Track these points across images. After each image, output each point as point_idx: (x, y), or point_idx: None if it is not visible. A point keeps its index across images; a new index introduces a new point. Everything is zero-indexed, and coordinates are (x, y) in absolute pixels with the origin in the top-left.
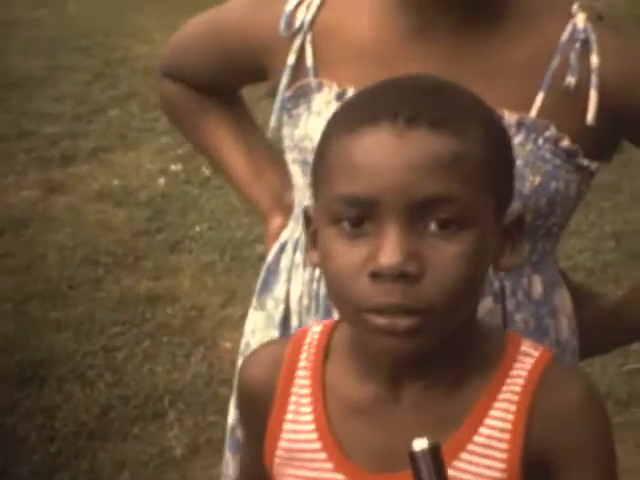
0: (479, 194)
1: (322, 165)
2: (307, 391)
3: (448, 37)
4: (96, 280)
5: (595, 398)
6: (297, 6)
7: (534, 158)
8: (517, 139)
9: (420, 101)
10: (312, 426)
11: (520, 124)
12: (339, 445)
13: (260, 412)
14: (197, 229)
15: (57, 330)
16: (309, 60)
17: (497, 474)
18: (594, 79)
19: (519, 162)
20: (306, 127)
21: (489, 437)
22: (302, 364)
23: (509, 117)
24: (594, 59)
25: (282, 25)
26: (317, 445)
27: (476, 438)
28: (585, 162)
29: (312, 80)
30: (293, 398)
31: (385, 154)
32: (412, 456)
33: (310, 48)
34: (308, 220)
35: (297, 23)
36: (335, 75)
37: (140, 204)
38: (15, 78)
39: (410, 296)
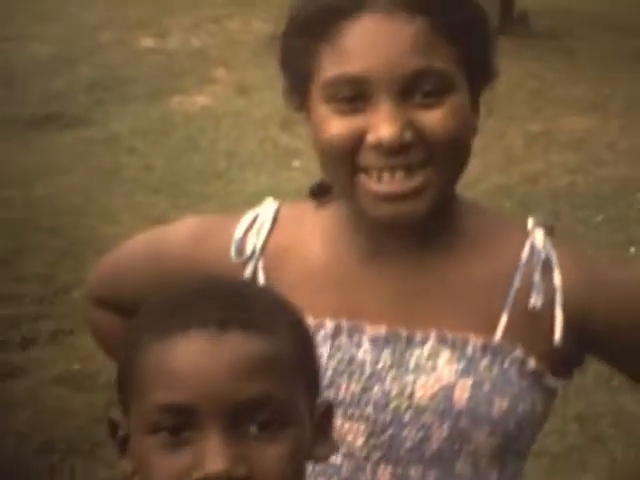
0: (294, 391)
1: (133, 374)
2: None
3: (403, 261)
4: (51, 468)
5: None
6: (247, 231)
7: (501, 381)
8: (483, 363)
9: (229, 304)
10: None
11: (485, 348)
12: None
13: None
14: None
15: None
16: None
17: None
18: (558, 297)
19: (487, 386)
20: None
21: None
22: None
23: (474, 341)
24: (557, 278)
25: (233, 252)
26: None
27: None
28: (551, 382)
29: None
30: None
31: (200, 360)
32: None
33: (262, 274)
34: (114, 427)
35: (248, 249)
36: (292, 301)
37: (100, 389)
38: None
39: None
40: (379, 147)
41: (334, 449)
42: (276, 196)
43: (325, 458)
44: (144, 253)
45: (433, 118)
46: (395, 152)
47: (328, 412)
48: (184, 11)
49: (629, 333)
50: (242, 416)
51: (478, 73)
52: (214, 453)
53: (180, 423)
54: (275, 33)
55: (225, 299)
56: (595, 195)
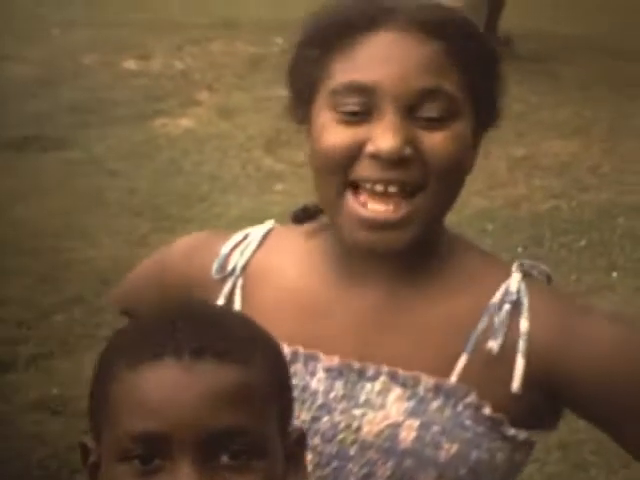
0: (267, 422)
1: (104, 401)
2: None
3: (375, 292)
4: None
5: None
6: (233, 249)
7: (452, 425)
8: (434, 404)
9: (203, 333)
10: None
11: (438, 389)
12: None
13: None
14: None
15: None
16: (237, 306)
17: None
18: (522, 344)
19: (436, 428)
20: None
21: None
22: None
23: (427, 381)
24: (523, 323)
25: (215, 267)
26: None
27: None
28: (511, 431)
29: None
30: None
31: (173, 389)
32: None
33: (239, 294)
34: (86, 453)
35: (229, 267)
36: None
37: (78, 414)
38: None
39: None
40: (377, 157)
41: (305, 478)
42: (258, 220)
43: None
44: (151, 272)
45: (435, 140)
46: (393, 165)
47: (300, 440)
48: (167, 33)
49: (594, 390)
50: (214, 446)
51: (484, 109)
52: None
53: (152, 451)
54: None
55: (200, 328)
56: (578, 220)
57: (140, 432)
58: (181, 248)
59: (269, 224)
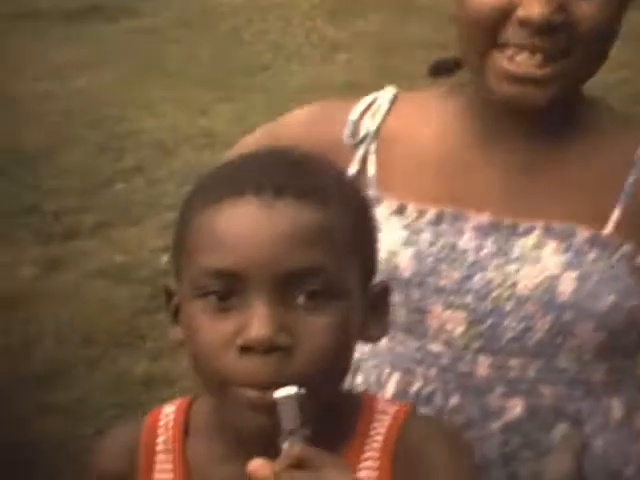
0: (346, 265)
1: (185, 239)
2: (170, 476)
3: (518, 148)
4: (93, 360)
5: (455, 442)
6: (363, 114)
7: (608, 276)
8: (590, 256)
9: (285, 172)
10: None
11: (593, 240)
12: None
13: None
14: None
15: (50, 413)
16: (371, 171)
17: None
18: None
19: (594, 279)
20: None
21: None
22: (160, 448)
23: (582, 233)
24: None
25: (347, 133)
26: None
27: None
28: None
29: (372, 192)
30: None
31: (252, 226)
32: (276, 402)
33: (373, 158)
34: (169, 295)
35: (362, 132)
36: (396, 187)
37: (142, 281)
38: (21, 151)
39: (281, 369)
40: (527, 23)
41: (387, 330)
42: (322, 89)
43: (377, 339)
44: (262, 141)
45: (585, 9)
46: (542, 32)
47: (384, 293)
48: None
49: None
50: (290, 285)
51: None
52: (259, 320)
53: (228, 288)
54: None
55: (283, 167)
56: None
57: (217, 268)
58: (298, 119)
59: (391, 90)
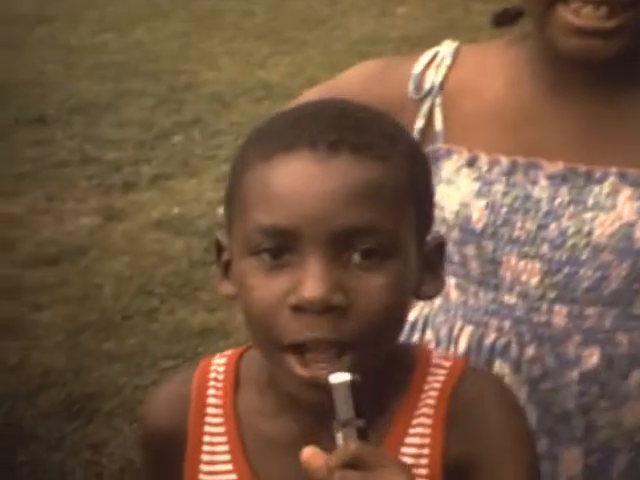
0: (401, 223)
1: (238, 194)
2: (221, 429)
3: (587, 98)
4: (150, 311)
5: (510, 400)
6: (426, 68)
7: None
8: None
9: (341, 126)
10: (230, 466)
11: None
12: None
13: (170, 456)
14: None
15: (108, 362)
16: (438, 124)
17: None
18: None
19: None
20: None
21: (410, 455)
22: (211, 400)
23: None
24: None
25: (411, 87)
26: None
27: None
28: None
29: (441, 146)
30: (207, 438)
31: (306, 183)
32: (331, 388)
33: (440, 112)
34: (220, 249)
35: (426, 85)
36: (465, 139)
37: (199, 233)
38: (80, 103)
39: (335, 329)
40: None
41: (442, 287)
42: (379, 42)
43: (432, 296)
44: (323, 92)
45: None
46: None
47: (439, 249)
48: None
49: None
50: (345, 243)
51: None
52: (313, 278)
53: (281, 246)
54: None
55: (338, 121)
56: None
57: (269, 225)
58: (360, 72)
59: (452, 43)
